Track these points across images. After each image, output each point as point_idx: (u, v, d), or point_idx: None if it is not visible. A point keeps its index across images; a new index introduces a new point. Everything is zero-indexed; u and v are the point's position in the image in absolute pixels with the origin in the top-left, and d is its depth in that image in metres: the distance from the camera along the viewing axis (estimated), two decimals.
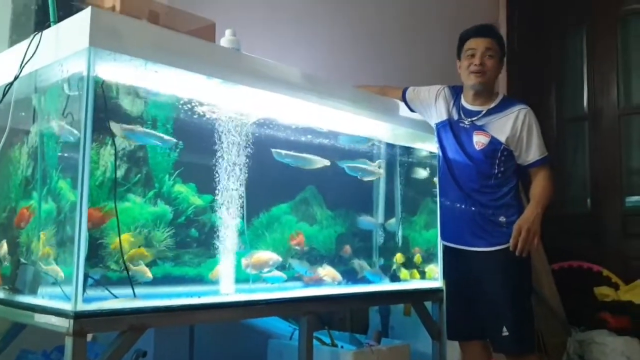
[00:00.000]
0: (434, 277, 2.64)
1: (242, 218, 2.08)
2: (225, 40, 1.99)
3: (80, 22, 1.49)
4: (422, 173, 2.80)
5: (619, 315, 3.62)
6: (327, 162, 2.30)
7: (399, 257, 2.61)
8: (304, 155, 2.25)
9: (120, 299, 1.57)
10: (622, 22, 4.33)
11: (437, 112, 2.46)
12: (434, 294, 2.55)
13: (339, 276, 2.31)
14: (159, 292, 1.77)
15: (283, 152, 2.19)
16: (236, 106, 2.00)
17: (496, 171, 2.31)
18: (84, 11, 1.49)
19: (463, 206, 2.35)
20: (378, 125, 2.45)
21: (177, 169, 1.99)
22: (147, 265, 1.78)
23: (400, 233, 2.67)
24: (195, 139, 2.02)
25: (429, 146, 2.71)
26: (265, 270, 2.09)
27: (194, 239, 2.03)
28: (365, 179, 2.52)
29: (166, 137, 1.87)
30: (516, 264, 2.25)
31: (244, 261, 2.04)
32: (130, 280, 1.59)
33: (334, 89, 2.19)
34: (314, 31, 3.24)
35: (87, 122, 1.47)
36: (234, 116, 1.99)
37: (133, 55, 1.55)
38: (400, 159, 2.77)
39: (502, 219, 2.29)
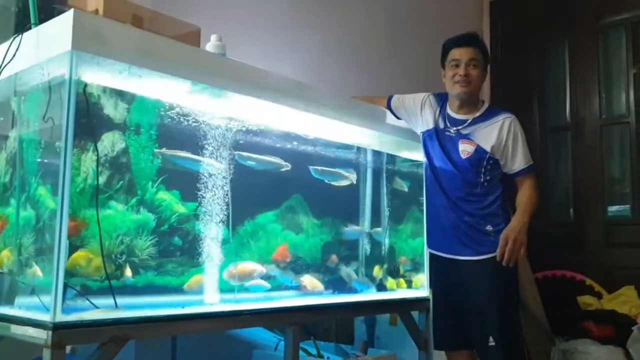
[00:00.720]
0: (421, 286, 2.62)
1: (227, 226, 2.04)
2: (210, 45, 1.96)
3: (62, 25, 1.45)
4: (408, 181, 2.78)
5: (603, 325, 3.62)
6: (288, 166, 2.22)
7: (376, 270, 2.58)
8: (265, 157, 2.17)
9: (102, 309, 1.52)
10: (603, 34, 4.38)
11: (424, 120, 2.45)
12: (420, 303, 2.52)
13: (320, 285, 2.27)
14: (141, 302, 1.73)
15: (245, 154, 2.09)
16: (221, 112, 1.96)
17: (482, 180, 2.30)
18: (66, 13, 1.45)
19: (450, 215, 2.33)
20: (364, 132, 2.43)
21: (161, 175, 1.96)
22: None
23: (386, 241, 2.65)
24: (179, 146, 1.98)
25: (415, 154, 2.69)
26: (250, 282, 2.05)
27: (177, 247, 1.99)
28: (335, 183, 2.46)
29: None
30: (503, 274, 2.24)
31: (227, 272, 2.00)
32: (111, 290, 1.55)
33: (322, 96, 2.17)
34: (299, 39, 3.22)
35: (69, 127, 1.43)
36: (219, 122, 1.96)
37: (117, 60, 1.51)
38: (386, 167, 2.75)
39: (488, 227, 2.28)
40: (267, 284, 2.08)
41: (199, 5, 2.65)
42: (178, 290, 1.89)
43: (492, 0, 5.00)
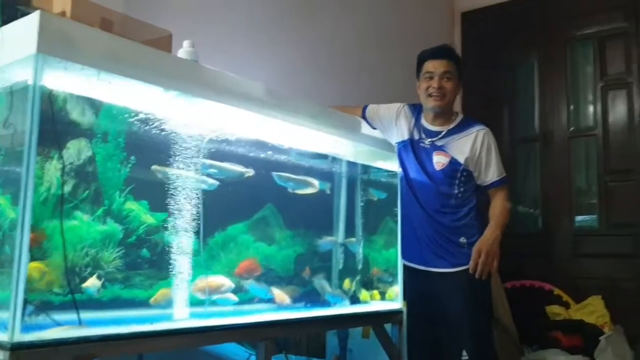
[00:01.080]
0: (395, 298, 2.59)
1: (197, 237, 1.98)
2: (183, 51, 1.90)
3: (27, 27, 1.37)
4: (382, 191, 2.75)
5: (571, 334, 3.65)
6: (250, 172, 2.13)
7: (349, 282, 2.54)
8: (227, 165, 2.06)
9: (64, 327, 1.44)
10: (571, 47, 4.44)
11: (398, 131, 2.44)
12: (394, 315, 2.49)
13: (287, 299, 2.21)
14: (107, 318, 1.65)
15: (207, 161, 1.99)
16: (193, 120, 1.90)
17: (456, 191, 2.30)
18: (31, 15, 1.38)
19: (424, 226, 2.32)
20: (339, 142, 2.40)
21: (129, 185, 1.89)
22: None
23: (360, 253, 2.61)
24: (148, 154, 1.91)
25: (389, 164, 2.66)
26: (217, 296, 1.98)
27: (145, 259, 1.91)
28: (300, 192, 2.36)
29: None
30: (476, 286, 2.23)
31: (195, 285, 1.93)
32: (75, 305, 1.47)
33: (296, 104, 2.12)
34: (272, 47, 3.17)
35: (32, 135, 1.35)
36: (189, 130, 1.90)
37: (85, 64, 1.44)
38: (361, 177, 2.71)
39: (462, 239, 2.27)
40: (234, 297, 2.01)
41: (170, 10, 2.58)
42: (145, 304, 1.82)
43: (464, 11, 5.04)
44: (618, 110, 4.14)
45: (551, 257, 4.30)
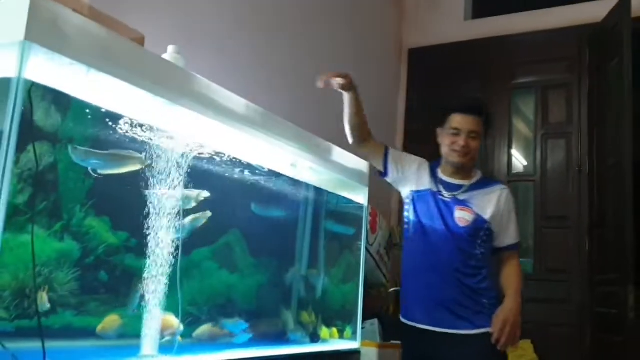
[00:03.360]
0: (351, 337, 2.47)
1: (162, 262, 1.79)
2: (168, 57, 1.73)
3: (14, 10, 1.18)
4: (347, 224, 2.65)
5: None
6: (142, 160, 1.68)
7: (311, 318, 2.40)
8: (114, 152, 1.62)
9: None
10: (516, 94, 4.59)
11: (419, 179, 2.30)
12: (352, 355, 2.37)
13: (175, 325, 1.82)
14: (59, 347, 1.44)
15: (82, 149, 1.56)
16: (173, 131, 1.73)
17: (478, 252, 2.15)
18: None
19: (444, 285, 2.13)
20: (309, 167, 2.28)
21: (91, 198, 1.68)
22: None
23: (321, 287, 2.48)
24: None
25: (354, 196, 2.58)
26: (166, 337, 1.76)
27: (102, 283, 1.70)
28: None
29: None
30: (497, 351, 2.07)
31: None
32: (41, 335, 1.25)
33: (275, 124, 2.00)
34: (238, 57, 3.03)
35: (12, 131, 1.15)
36: (170, 143, 1.72)
37: (76, 59, 1.26)
38: (326, 206, 2.60)
39: (484, 300, 2.12)
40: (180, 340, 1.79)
41: (138, 12, 2.39)
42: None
43: (411, 48, 5.10)
44: (557, 159, 4.29)
45: None
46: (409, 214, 2.29)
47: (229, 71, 2.86)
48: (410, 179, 2.31)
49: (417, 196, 2.27)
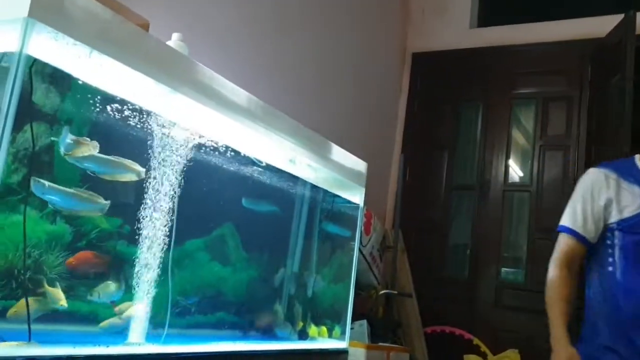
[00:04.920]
0: (340, 337, 2.46)
1: (155, 250, 1.77)
2: (172, 44, 1.72)
3: None
4: (341, 223, 2.64)
5: None
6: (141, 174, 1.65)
7: (300, 315, 2.38)
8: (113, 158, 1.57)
9: (8, 343, 1.20)
10: (516, 104, 4.59)
11: (620, 206, 1.86)
12: (340, 355, 2.36)
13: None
14: (50, 330, 1.42)
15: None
16: (175, 119, 1.71)
17: None
18: None
19: None
20: (309, 164, 2.27)
21: (87, 182, 1.66)
22: None
23: (313, 284, 2.47)
24: (114, 150, 1.70)
25: (349, 196, 2.56)
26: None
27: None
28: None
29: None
30: None
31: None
32: (28, 319, 1.24)
33: (278, 120, 1.99)
34: (243, 51, 3.02)
35: (9, 109, 1.13)
36: (170, 131, 1.71)
37: (80, 40, 1.24)
38: (322, 205, 2.58)
39: None
40: None
41: None
42: (90, 320, 1.60)
43: (415, 52, 5.09)
44: (553, 171, 4.29)
45: (474, 305, 4.35)
46: (613, 249, 1.88)
47: (231, 64, 2.84)
48: (610, 210, 1.88)
49: (624, 225, 1.84)
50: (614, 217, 1.87)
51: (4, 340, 1.20)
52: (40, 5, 1.16)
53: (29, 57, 1.18)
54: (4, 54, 1.17)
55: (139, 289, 1.71)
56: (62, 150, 1.48)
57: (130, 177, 1.66)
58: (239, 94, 1.80)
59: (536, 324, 4.10)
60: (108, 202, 1.59)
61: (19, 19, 1.15)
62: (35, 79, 1.34)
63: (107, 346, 1.37)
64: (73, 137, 1.46)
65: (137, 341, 1.53)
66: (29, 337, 1.23)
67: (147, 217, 1.77)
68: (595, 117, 4.12)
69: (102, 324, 1.55)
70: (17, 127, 1.34)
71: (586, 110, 4.22)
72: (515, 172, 4.54)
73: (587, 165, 4.11)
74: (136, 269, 1.72)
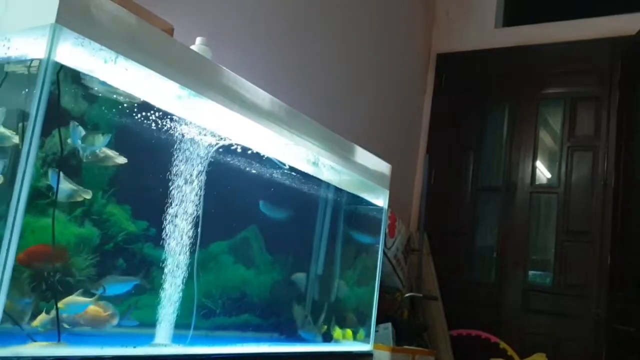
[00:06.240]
0: (364, 340, 2.45)
1: (179, 253, 1.79)
2: (195, 48, 1.74)
3: None
4: (366, 227, 2.63)
5: None
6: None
7: (324, 318, 2.38)
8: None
9: (40, 343, 1.22)
10: (544, 104, 4.52)
11: None
12: (364, 358, 2.36)
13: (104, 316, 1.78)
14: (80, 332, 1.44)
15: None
16: (201, 123, 1.73)
17: None
18: None
19: None
20: (331, 167, 2.27)
21: (114, 186, 1.68)
22: None
23: (337, 287, 2.47)
24: (141, 155, 1.72)
25: (374, 199, 2.56)
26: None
27: (120, 271, 1.71)
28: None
29: None
30: None
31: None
32: (57, 320, 1.26)
33: (301, 123, 1.99)
34: (270, 57, 3.03)
35: (38, 115, 1.15)
36: (194, 135, 1.72)
37: (106, 45, 1.26)
38: (346, 207, 2.58)
39: None
40: None
41: (168, 2, 2.40)
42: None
43: (440, 53, 5.06)
44: (582, 172, 4.22)
45: (501, 308, 4.29)
46: None
47: (254, 68, 2.86)
48: None
49: None
50: None
51: (35, 341, 1.22)
52: (67, 12, 1.18)
53: (56, 64, 1.20)
54: (32, 60, 1.19)
55: (164, 291, 1.73)
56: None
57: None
58: (262, 97, 1.81)
59: (563, 328, 4.06)
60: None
61: (46, 26, 1.17)
62: (62, 84, 1.37)
63: (135, 347, 1.38)
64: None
65: (163, 342, 1.54)
66: (58, 338, 1.25)
67: (171, 220, 1.79)
68: (625, 116, 4.04)
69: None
70: (45, 133, 1.37)
71: (616, 110, 4.13)
72: (543, 173, 4.47)
73: (617, 167, 4.04)
74: (164, 271, 1.75)
